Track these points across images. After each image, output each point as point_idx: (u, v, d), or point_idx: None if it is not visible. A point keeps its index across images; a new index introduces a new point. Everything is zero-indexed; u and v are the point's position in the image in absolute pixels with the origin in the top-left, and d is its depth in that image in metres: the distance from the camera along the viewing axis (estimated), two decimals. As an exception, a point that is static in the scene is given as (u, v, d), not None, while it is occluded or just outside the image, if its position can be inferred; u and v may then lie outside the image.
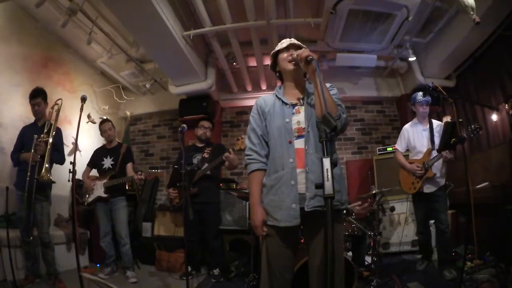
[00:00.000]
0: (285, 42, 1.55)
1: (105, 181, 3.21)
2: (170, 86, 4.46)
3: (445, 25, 3.54)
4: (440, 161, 2.82)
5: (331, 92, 1.47)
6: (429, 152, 2.90)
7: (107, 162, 3.32)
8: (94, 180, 3.29)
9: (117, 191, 3.22)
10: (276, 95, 1.55)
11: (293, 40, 1.54)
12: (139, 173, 3.10)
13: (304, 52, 1.39)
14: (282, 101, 1.51)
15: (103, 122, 3.48)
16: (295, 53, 1.44)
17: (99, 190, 3.21)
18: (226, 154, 2.95)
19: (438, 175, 2.84)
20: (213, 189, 3.31)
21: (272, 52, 1.60)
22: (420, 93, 3.05)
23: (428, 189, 2.88)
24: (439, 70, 4.11)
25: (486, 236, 2.85)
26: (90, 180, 3.28)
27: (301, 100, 1.49)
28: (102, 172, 3.32)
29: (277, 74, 1.63)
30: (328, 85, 1.52)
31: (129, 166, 3.32)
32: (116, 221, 3.20)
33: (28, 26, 3.59)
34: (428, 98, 3.03)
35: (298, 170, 1.38)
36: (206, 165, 3.17)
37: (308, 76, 1.50)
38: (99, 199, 3.20)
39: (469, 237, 2.73)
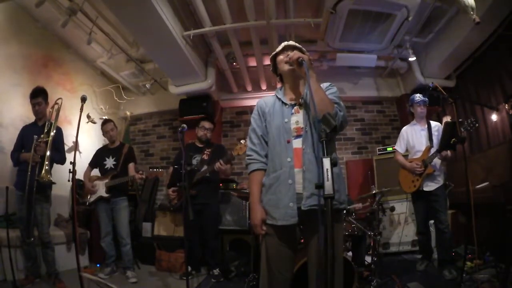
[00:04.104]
0: (281, 45, 1.57)
1: (106, 181, 3.21)
2: (170, 86, 4.46)
3: (445, 25, 3.54)
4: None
5: (330, 91, 1.49)
6: (428, 149, 2.92)
7: (109, 162, 3.32)
8: (96, 180, 3.29)
9: (118, 191, 3.22)
10: (277, 96, 1.57)
11: (290, 42, 1.56)
12: (140, 172, 3.10)
13: (295, 54, 1.41)
14: (282, 102, 1.53)
15: (105, 122, 3.48)
16: (289, 56, 1.46)
17: (100, 190, 3.21)
18: (217, 165, 2.95)
19: (437, 169, 2.86)
20: (212, 191, 3.31)
21: (270, 56, 1.62)
22: (418, 94, 3.11)
23: (428, 187, 2.89)
24: (439, 70, 4.11)
25: (486, 236, 2.86)
26: (91, 183, 3.26)
27: (300, 100, 1.50)
28: (104, 172, 3.32)
29: (278, 77, 1.65)
30: (327, 84, 1.54)
31: (131, 166, 3.31)
32: (117, 221, 3.20)
33: (28, 26, 3.60)
34: (426, 99, 3.07)
35: (296, 170, 1.39)
36: (205, 167, 3.17)
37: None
38: (100, 198, 3.20)
39: (469, 237, 2.73)
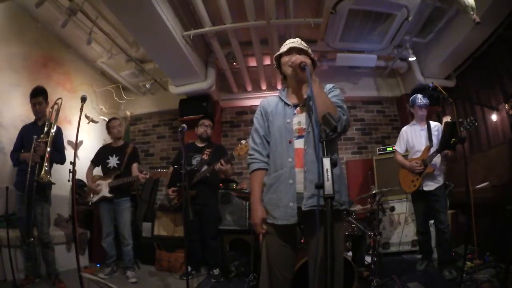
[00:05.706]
0: (287, 44, 1.54)
1: (109, 180, 3.19)
2: (170, 86, 4.46)
3: (445, 25, 3.54)
4: (439, 157, 2.84)
5: (333, 93, 1.48)
6: (427, 149, 2.92)
7: (113, 161, 3.29)
8: (99, 180, 3.27)
9: (122, 191, 3.19)
10: (280, 97, 1.57)
11: (295, 43, 1.52)
12: (144, 172, 3.09)
13: (298, 59, 1.41)
14: (285, 102, 1.53)
15: (111, 119, 3.50)
16: (291, 60, 1.44)
17: (103, 190, 3.19)
18: (218, 165, 2.96)
19: (437, 169, 2.86)
20: (211, 191, 3.31)
21: (274, 55, 1.60)
22: (420, 96, 3.10)
23: (428, 186, 2.89)
24: (439, 70, 4.11)
25: (486, 236, 2.86)
26: (94, 183, 3.23)
27: (303, 101, 1.49)
28: (107, 171, 3.29)
29: (282, 75, 1.63)
30: (330, 85, 1.53)
31: (135, 166, 3.29)
32: (119, 222, 3.18)
33: (28, 26, 3.59)
34: (427, 101, 3.07)
35: (297, 170, 1.39)
36: (205, 167, 3.17)
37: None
38: (103, 198, 3.18)
39: (469, 237, 2.73)
